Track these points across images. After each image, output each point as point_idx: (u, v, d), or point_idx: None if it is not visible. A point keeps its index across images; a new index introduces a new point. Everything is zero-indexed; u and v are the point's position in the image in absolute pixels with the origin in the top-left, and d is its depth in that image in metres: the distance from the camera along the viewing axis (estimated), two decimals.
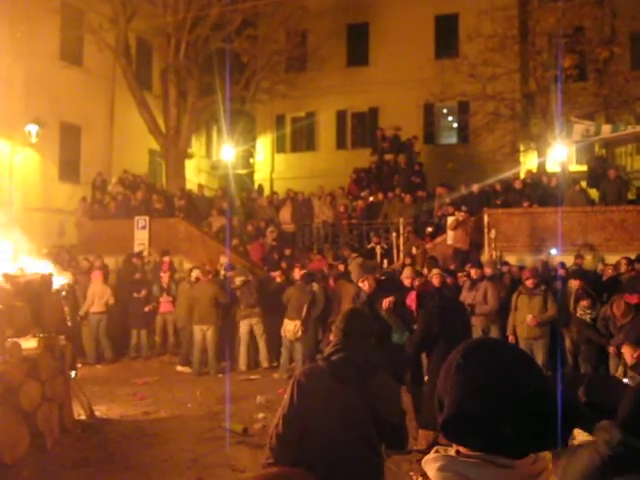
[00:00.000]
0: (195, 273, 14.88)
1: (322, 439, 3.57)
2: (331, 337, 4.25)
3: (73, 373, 9.82)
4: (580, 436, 2.48)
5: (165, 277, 16.04)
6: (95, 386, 11.62)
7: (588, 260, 15.30)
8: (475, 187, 18.47)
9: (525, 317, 11.75)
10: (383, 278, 12.32)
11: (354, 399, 3.65)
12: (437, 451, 1.70)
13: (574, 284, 12.13)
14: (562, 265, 14.19)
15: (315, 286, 13.98)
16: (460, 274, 13.76)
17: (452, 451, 1.68)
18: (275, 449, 3.66)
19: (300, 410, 3.67)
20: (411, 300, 9.14)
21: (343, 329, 3.90)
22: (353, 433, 3.60)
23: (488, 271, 13.25)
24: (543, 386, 1.67)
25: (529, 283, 12.01)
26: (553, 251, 15.70)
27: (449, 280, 11.78)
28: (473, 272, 13.12)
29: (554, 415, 1.63)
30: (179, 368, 14.36)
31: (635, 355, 4.01)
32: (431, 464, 1.66)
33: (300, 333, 13.61)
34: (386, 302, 7.93)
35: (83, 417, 9.39)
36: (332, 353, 3.83)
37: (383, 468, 3.79)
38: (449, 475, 1.61)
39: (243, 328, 14.33)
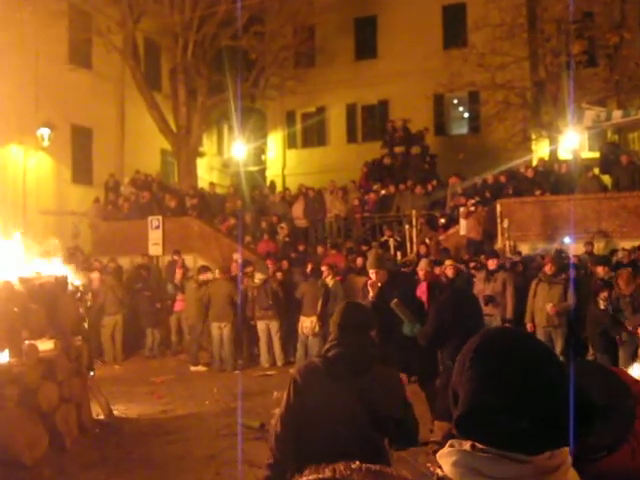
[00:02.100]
0: (208, 274, 14.96)
1: (318, 438, 3.49)
2: None
3: (91, 373, 9.91)
4: None
5: (179, 275, 16.12)
6: (113, 386, 11.69)
7: (600, 247, 15.20)
8: (490, 177, 18.45)
9: (544, 305, 11.71)
10: (404, 270, 12.30)
11: (349, 396, 3.57)
12: (452, 445, 1.66)
13: (600, 270, 12.08)
14: (560, 253, 14.18)
15: (330, 281, 13.98)
16: (472, 264, 13.68)
17: (467, 445, 1.63)
18: (274, 449, 3.66)
19: (296, 409, 3.64)
20: (421, 291, 9.12)
21: (339, 323, 3.81)
22: (350, 431, 3.51)
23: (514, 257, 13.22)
24: (561, 380, 1.63)
25: (548, 269, 11.98)
26: (566, 239, 15.57)
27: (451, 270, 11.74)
28: (490, 263, 13.07)
29: (572, 411, 1.58)
30: (193, 368, 14.41)
31: None
32: (446, 459, 1.63)
33: (317, 328, 13.62)
34: (370, 285, 7.92)
35: (101, 417, 9.47)
36: (328, 349, 3.76)
37: (385, 463, 3.73)
38: (464, 470, 1.58)
39: (260, 326, 14.38)
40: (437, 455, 1.69)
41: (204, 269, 15.35)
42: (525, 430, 1.55)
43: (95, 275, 15.65)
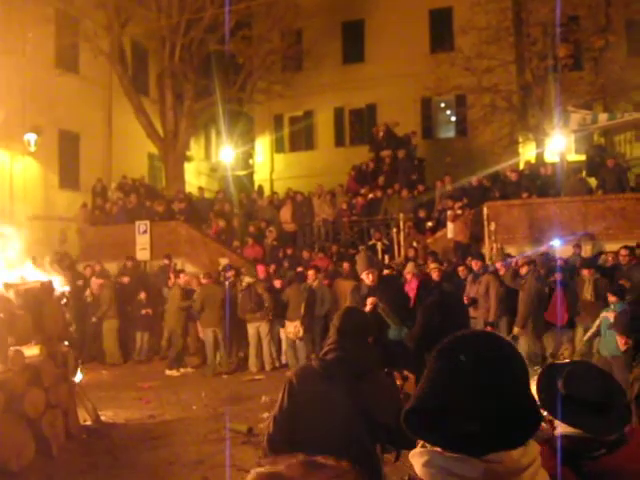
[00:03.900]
0: (186, 278, 15.10)
1: (311, 440, 3.45)
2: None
3: (78, 378, 9.87)
4: (560, 428, 2.48)
5: (173, 279, 16.02)
6: (101, 391, 11.65)
7: (587, 249, 15.26)
8: (474, 179, 18.51)
9: None
10: (387, 273, 12.35)
11: (345, 400, 3.58)
12: (424, 446, 1.68)
13: (586, 273, 12.16)
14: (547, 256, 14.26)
15: (315, 284, 13.98)
16: (461, 267, 13.71)
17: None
18: (265, 449, 3.68)
19: (290, 411, 3.66)
20: (411, 288, 9.14)
21: (338, 328, 3.84)
22: (343, 434, 3.53)
23: (498, 265, 13.35)
24: (518, 386, 1.65)
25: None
26: (556, 242, 15.53)
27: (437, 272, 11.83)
28: (474, 265, 13.14)
29: (521, 415, 1.60)
30: (167, 372, 14.35)
31: (623, 342, 4.17)
32: (417, 459, 1.66)
33: (301, 333, 13.59)
34: (370, 304, 7.88)
35: (89, 422, 9.44)
36: (327, 352, 3.79)
37: (378, 469, 3.71)
38: (434, 471, 1.60)
39: (250, 330, 14.36)
40: (409, 455, 1.71)
41: (179, 272, 15.56)
42: (471, 433, 1.57)
43: (95, 280, 15.78)
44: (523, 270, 12.04)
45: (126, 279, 16.35)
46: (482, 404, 1.58)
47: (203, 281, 14.87)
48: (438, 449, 1.64)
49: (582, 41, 21.43)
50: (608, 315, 9.91)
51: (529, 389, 1.70)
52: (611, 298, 9.98)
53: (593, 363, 2.77)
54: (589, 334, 10.46)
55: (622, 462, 2.37)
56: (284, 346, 14.25)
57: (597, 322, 10.22)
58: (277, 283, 14.52)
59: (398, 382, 4.03)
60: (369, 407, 3.62)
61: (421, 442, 1.71)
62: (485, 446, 1.58)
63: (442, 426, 1.61)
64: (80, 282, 16.23)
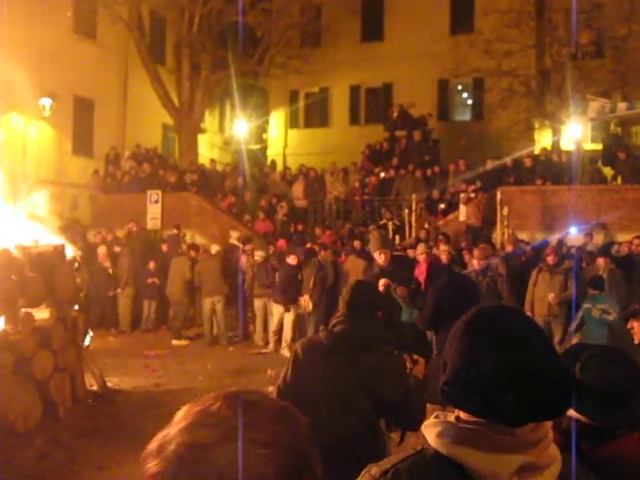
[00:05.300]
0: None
1: (315, 412, 3.50)
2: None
3: (87, 341, 9.93)
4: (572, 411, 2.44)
5: (192, 252, 15.99)
6: (108, 358, 11.70)
7: (598, 239, 15.17)
8: (489, 164, 18.39)
9: (544, 294, 11.76)
10: (398, 254, 12.35)
11: (349, 373, 3.57)
12: (437, 417, 1.70)
13: (602, 262, 12.16)
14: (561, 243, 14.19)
15: (324, 260, 13.98)
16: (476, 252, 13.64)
17: (452, 417, 1.67)
18: None
19: (294, 382, 3.66)
20: (420, 272, 9.12)
21: (348, 301, 3.84)
22: (346, 407, 3.53)
23: (509, 248, 13.33)
24: (548, 356, 1.66)
25: (550, 259, 12.05)
26: (573, 230, 15.38)
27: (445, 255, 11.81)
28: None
29: (556, 386, 1.62)
30: (175, 342, 14.46)
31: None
32: (430, 429, 1.66)
33: (310, 307, 13.61)
34: (382, 285, 7.84)
35: (95, 388, 9.49)
36: (335, 325, 3.79)
37: (381, 443, 3.69)
38: (448, 441, 1.61)
39: (257, 304, 14.38)
40: (422, 426, 1.72)
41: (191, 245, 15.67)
42: (508, 402, 1.59)
43: (102, 250, 15.81)
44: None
45: (165, 247, 16.46)
46: (511, 375, 1.60)
47: (202, 256, 15.17)
48: (452, 420, 1.66)
49: (605, 29, 21.16)
50: (589, 307, 10.03)
51: (560, 361, 1.70)
52: (592, 291, 10.16)
53: (618, 347, 2.65)
54: (573, 325, 10.58)
55: (625, 450, 2.34)
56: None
57: (580, 313, 10.31)
58: (292, 259, 14.35)
59: (408, 365, 4.01)
60: (373, 381, 3.61)
61: (435, 413, 1.73)
62: (521, 416, 1.61)
63: (478, 395, 1.62)
64: (92, 248, 16.39)
